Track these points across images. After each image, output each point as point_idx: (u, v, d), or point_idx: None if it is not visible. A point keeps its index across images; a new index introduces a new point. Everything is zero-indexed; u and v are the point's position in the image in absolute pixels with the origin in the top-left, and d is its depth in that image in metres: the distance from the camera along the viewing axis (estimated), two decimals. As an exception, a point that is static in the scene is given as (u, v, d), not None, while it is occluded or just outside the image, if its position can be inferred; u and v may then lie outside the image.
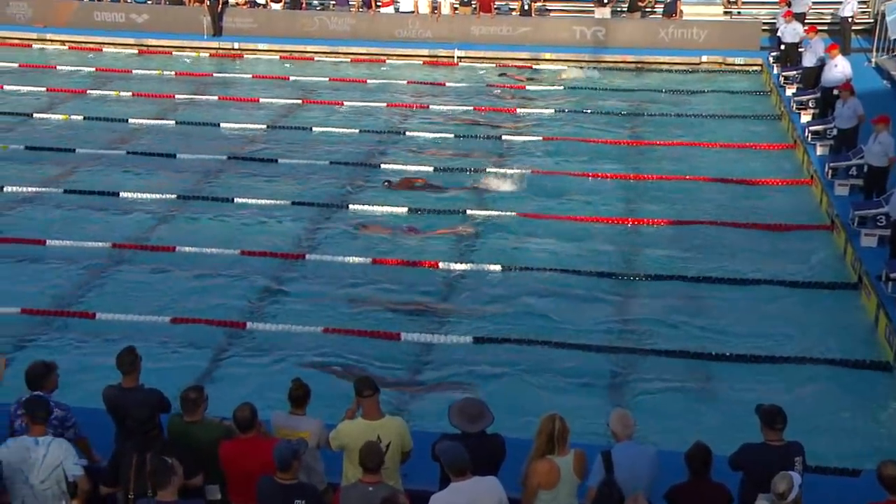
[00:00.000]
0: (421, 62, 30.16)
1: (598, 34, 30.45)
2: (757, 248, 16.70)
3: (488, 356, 13.32)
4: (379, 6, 32.05)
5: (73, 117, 24.15)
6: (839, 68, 20.92)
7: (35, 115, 24.29)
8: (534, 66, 29.50)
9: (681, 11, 30.86)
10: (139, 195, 18.88)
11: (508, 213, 18.07)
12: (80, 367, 12.65)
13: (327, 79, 28.21)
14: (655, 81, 28.06)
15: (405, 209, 18.11)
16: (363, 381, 8.41)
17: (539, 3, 32.20)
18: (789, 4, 27.50)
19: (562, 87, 27.15)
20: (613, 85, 27.68)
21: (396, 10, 32.25)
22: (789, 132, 22.40)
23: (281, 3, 32.79)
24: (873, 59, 26.76)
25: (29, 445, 7.95)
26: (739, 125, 23.70)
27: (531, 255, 16.50)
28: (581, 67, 29.04)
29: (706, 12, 31.67)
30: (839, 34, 27.64)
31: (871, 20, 29.35)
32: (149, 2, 33.27)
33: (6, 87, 26.77)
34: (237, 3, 32.78)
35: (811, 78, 22.83)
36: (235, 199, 18.74)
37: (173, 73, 28.91)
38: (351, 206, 18.42)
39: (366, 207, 18.36)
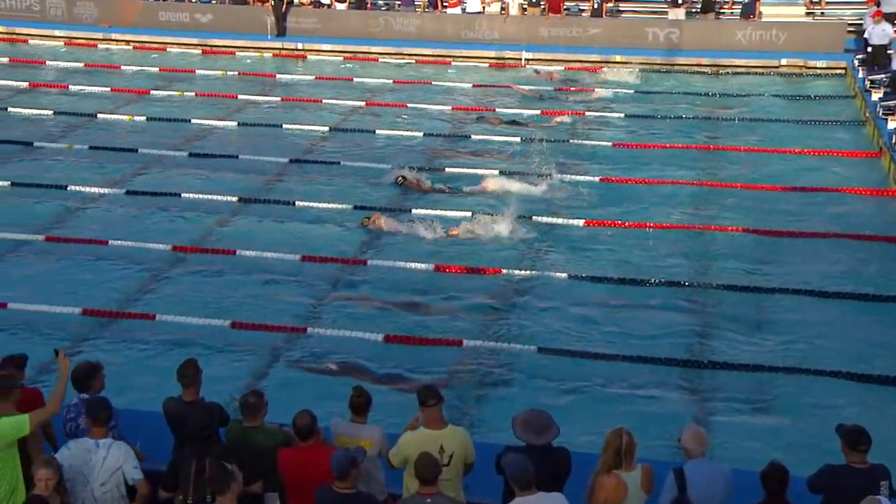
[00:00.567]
0: (487, 64, 29.82)
1: (671, 36, 29.89)
2: (837, 259, 16.13)
3: (552, 366, 12.99)
4: (445, 6, 31.79)
5: (137, 118, 24.23)
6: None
7: (99, 115, 24.39)
8: (604, 69, 28.90)
9: (759, 12, 30.13)
10: (200, 196, 18.83)
11: (576, 221, 17.69)
12: (138, 369, 12.72)
13: (391, 80, 28.03)
14: (731, 85, 27.42)
15: (468, 213, 17.74)
16: (427, 389, 8.25)
17: (610, 4, 31.62)
18: (878, 4, 26.73)
19: (632, 91, 26.68)
20: (687, 89, 27.10)
21: (463, 10, 31.98)
22: (875, 139, 21.71)
23: (346, 3, 32.67)
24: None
25: (90, 448, 7.94)
26: (820, 131, 23.00)
27: (598, 264, 16.12)
28: (630, 69, 28.41)
29: (787, 13, 30.93)
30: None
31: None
32: (213, 1, 33.40)
33: (72, 87, 26.94)
34: (301, 3, 32.81)
35: (902, 82, 22.12)
36: (297, 203, 18.55)
37: (236, 73, 28.93)
38: (414, 210, 18.12)
39: (429, 212, 18.03)
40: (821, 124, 23.48)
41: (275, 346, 13.54)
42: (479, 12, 31.48)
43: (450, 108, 25.29)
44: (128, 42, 32.17)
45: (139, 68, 29.27)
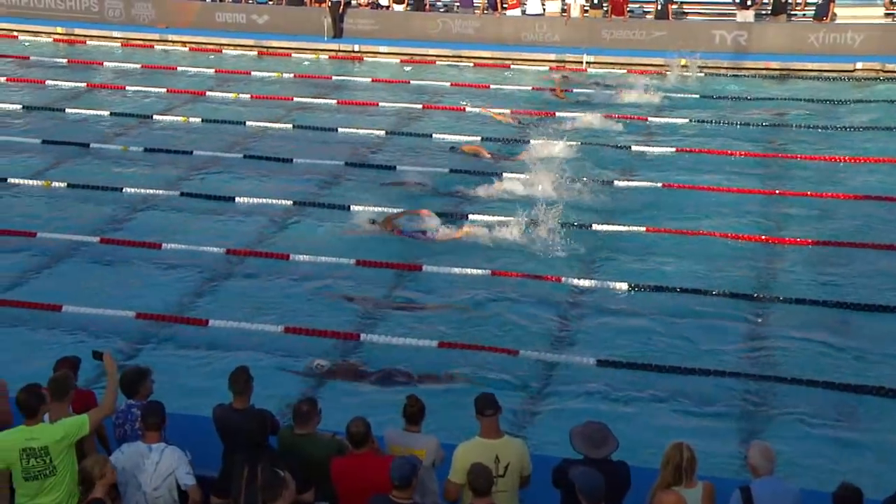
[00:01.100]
0: (548, 67, 29.37)
1: (739, 39, 29.17)
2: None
3: (612, 379, 12.65)
4: (505, 8, 31.39)
5: (192, 119, 24.22)
6: None
7: (155, 116, 24.42)
8: (666, 72, 28.26)
9: (834, 14, 29.36)
10: (255, 200, 18.71)
11: (637, 228, 17.25)
12: (190, 373, 12.63)
13: (449, 83, 27.82)
14: (802, 90, 26.72)
15: (524, 218, 17.28)
16: (485, 398, 8.07)
17: (675, 6, 31.00)
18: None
19: (697, 96, 26.17)
20: (755, 93, 26.47)
21: (523, 12, 31.57)
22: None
23: (404, 5, 32.46)
24: None
25: (143, 452, 8.01)
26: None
27: (660, 274, 15.69)
28: (695, 73, 27.83)
29: (864, 14, 30.05)
30: None
31: None
32: (269, 2, 33.36)
33: (128, 88, 27.04)
34: (359, 4, 32.66)
35: None
36: (352, 207, 18.33)
37: (292, 75, 28.86)
38: (471, 216, 17.80)
39: (485, 217, 17.69)
40: (896, 131, 22.79)
41: (327, 352, 13.28)
42: (540, 14, 31.07)
43: (508, 111, 24.90)
44: (184, 43, 32.24)
45: (195, 69, 29.33)
